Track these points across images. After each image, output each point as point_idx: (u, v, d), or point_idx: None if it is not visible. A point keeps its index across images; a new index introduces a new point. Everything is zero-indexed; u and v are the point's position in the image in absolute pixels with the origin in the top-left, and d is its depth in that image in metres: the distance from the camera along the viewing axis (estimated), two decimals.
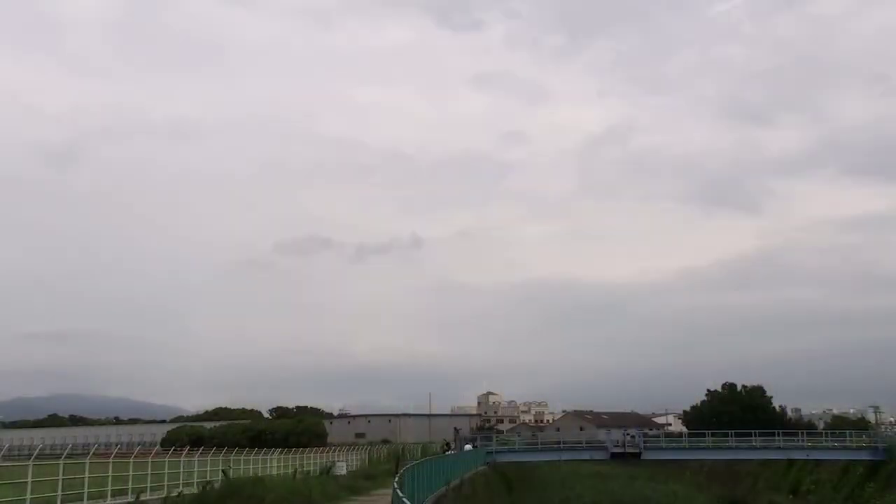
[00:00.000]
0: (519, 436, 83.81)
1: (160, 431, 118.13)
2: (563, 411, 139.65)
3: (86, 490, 23.01)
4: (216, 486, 29.40)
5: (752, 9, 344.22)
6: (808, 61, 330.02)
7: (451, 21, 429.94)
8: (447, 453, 50.42)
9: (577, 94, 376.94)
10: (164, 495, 27.15)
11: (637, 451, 60.14)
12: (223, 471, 33.31)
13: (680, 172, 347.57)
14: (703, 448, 64.14)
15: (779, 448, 60.48)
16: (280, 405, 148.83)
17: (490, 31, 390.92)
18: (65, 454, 30.03)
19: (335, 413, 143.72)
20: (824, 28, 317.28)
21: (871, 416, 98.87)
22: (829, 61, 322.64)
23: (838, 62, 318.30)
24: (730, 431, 63.70)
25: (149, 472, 27.98)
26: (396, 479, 22.25)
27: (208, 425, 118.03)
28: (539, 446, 65.54)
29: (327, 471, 44.32)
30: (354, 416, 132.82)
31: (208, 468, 32.95)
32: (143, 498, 25.70)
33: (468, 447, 56.64)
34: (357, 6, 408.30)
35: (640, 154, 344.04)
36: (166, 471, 29.74)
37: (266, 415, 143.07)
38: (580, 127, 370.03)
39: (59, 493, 21.59)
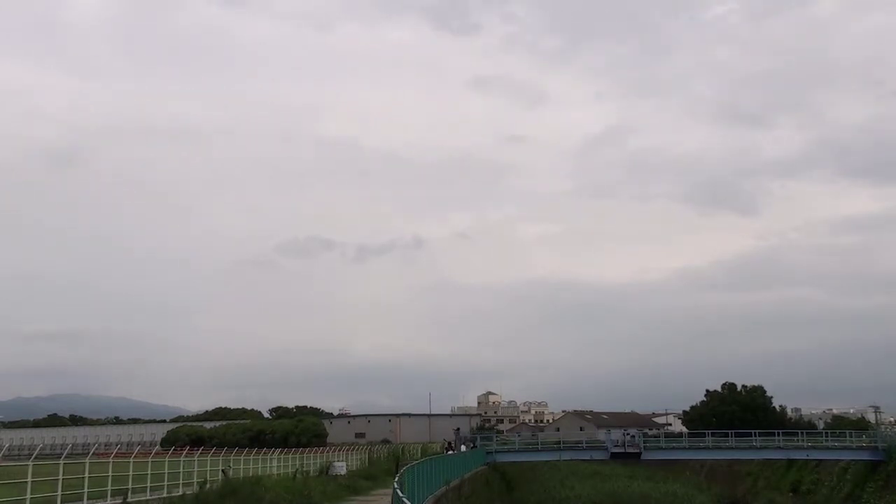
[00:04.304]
0: (519, 436, 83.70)
1: (160, 431, 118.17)
2: (563, 411, 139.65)
3: (86, 490, 22.98)
4: (215, 486, 29.41)
5: (748, 12, 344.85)
6: (803, 64, 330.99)
7: (450, 24, 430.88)
8: (448, 453, 50.36)
9: (575, 96, 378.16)
10: (164, 495, 27.15)
11: (637, 451, 60.09)
12: (223, 471, 33.31)
13: (678, 173, 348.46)
14: (703, 448, 64.05)
15: (779, 448, 60.41)
16: (280, 405, 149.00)
17: (488, 34, 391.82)
18: (65, 454, 30.02)
19: (335, 413, 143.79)
20: (820, 31, 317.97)
21: (871, 416, 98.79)
22: (825, 64, 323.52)
23: (834, 65, 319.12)
24: (730, 431, 63.63)
25: (149, 472, 27.96)
26: (396, 479, 22.24)
27: (208, 425, 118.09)
28: (539, 446, 65.40)
29: (325, 471, 44.29)
30: (354, 416, 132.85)
31: (208, 468, 32.92)
32: (142, 498, 25.69)
33: (463, 448, 56.56)
34: (357, 9, 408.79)
35: (638, 155, 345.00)
36: (166, 471, 29.72)
37: (266, 415, 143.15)
38: (578, 128, 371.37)
39: (59, 493, 21.57)
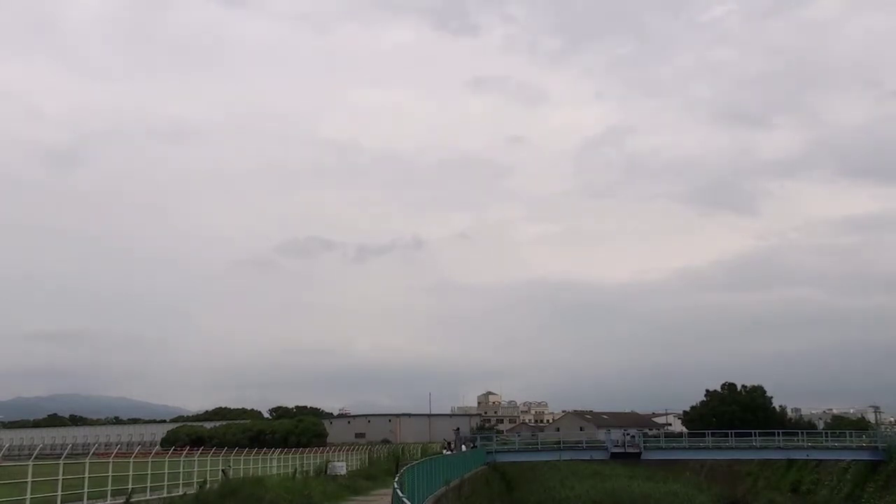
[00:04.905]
0: (519, 436, 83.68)
1: (160, 431, 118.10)
2: (563, 411, 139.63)
3: (86, 490, 22.96)
4: (215, 486, 29.39)
5: (747, 13, 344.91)
6: (802, 64, 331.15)
7: (449, 25, 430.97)
8: (447, 453, 50.33)
9: (575, 97, 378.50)
10: (164, 495, 27.13)
11: (637, 451, 60.06)
12: (223, 471, 33.28)
13: (677, 174, 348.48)
14: (703, 448, 64.02)
15: (779, 448, 60.38)
16: (280, 405, 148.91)
17: (488, 35, 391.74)
18: (65, 454, 29.99)
19: (335, 413, 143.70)
20: (818, 32, 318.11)
21: (871, 417, 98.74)
22: (824, 65, 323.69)
23: (833, 65, 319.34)
24: (730, 431, 63.59)
25: (149, 472, 27.93)
26: (396, 479, 22.23)
27: (208, 425, 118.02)
28: (539, 446, 65.36)
29: (325, 471, 44.22)
30: (354, 416, 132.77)
31: (208, 468, 32.89)
32: (143, 498, 25.67)
33: (463, 447, 56.52)
34: (356, 10, 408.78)
35: (637, 156, 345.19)
36: (166, 471, 29.69)
37: (266, 415, 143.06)
38: (578, 129, 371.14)
39: (59, 493, 21.55)
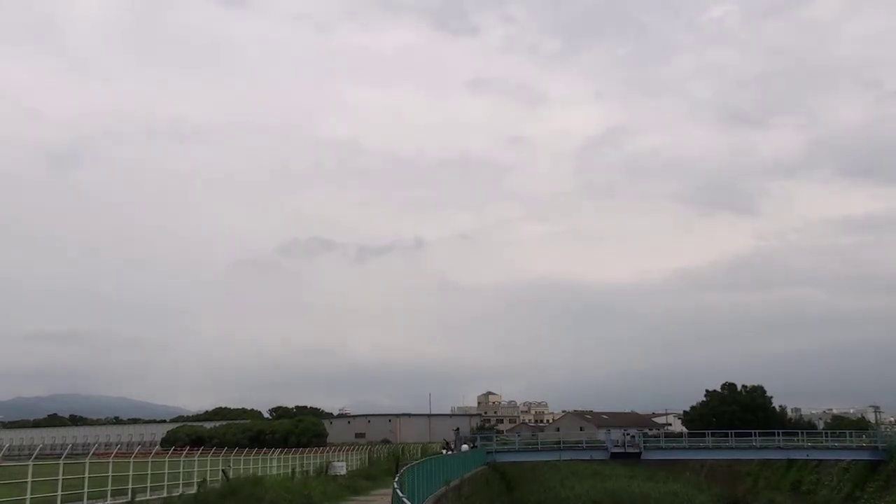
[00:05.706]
0: (519, 436, 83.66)
1: (160, 431, 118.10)
2: (563, 411, 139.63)
3: (86, 490, 22.96)
4: (215, 485, 29.38)
5: (746, 13, 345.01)
6: (802, 65, 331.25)
7: (449, 25, 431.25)
8: (444, 452, 50.32)
9: (575, 98, 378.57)
10: (164, 495, 27.12)
11: (637, 451, 60.06)
12: (223, 470, 33.28)
13: (677, 174, 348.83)
14: (703, 448, 64.02)
15: (779, 448, 60.40)
16: (280, 405, 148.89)
17: (487, 35, 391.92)
18: (65, 454, 29.99)
19: (335, 413, 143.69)
20: (817, 33, 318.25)
21: (871, 417, 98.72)
22: (824, 65, 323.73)
23: (832, 66, 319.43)
24: (730, 431, 63.60)
25: (149, 472, 27.92)
26: (396, 479, 22.23)
27: (208, 425, 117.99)
28: (539, 446, 65.35)
29: (325, 470, 44.22)
30: (354, 416, 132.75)
31: (208, 468, 32.90)
32: (142, 498, 25.66)
33: (465, 447, 56.48)
34: (357, 11, 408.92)
35: (637, 156, 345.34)
36: (166, 471, 29.69)
37: (266, 415, 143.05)
38: (578, 129, 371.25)
39: (59, 493, 21.55)
